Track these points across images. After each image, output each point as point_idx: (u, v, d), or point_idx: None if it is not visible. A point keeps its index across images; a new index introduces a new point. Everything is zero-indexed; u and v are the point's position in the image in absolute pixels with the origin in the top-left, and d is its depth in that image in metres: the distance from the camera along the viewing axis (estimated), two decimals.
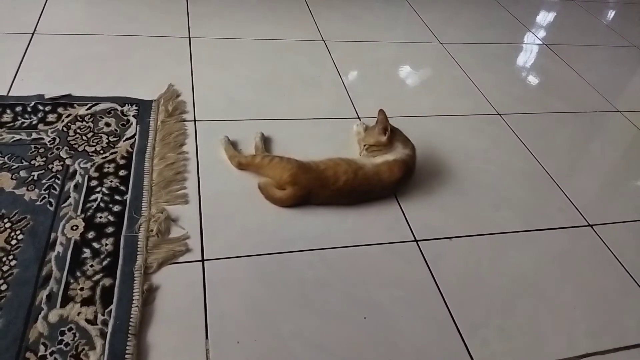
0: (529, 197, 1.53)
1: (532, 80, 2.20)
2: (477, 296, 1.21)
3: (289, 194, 1.30)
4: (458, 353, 1.09)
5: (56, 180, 1.27)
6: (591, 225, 1.47)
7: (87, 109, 1.50)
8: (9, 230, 1.13)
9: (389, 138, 1.40)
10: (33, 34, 1.80)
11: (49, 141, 1.37)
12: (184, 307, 1.07)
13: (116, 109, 1.52)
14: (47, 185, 1.25)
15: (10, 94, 1.51)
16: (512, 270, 1.29)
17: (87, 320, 1.00)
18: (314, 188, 1.31)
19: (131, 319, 1.01)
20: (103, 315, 1.01)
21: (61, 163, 1.32)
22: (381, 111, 1.42)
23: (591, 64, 2.34)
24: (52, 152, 1.34)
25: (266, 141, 1.50)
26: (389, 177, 1.35)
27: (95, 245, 1.14)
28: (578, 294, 1.27)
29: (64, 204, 1.21)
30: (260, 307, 1.10)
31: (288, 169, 1.31)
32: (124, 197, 1.26)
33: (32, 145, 1.35)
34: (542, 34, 2.58)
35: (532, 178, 1.61)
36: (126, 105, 1.54)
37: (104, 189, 1.27)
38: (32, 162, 1.30)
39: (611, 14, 3.00)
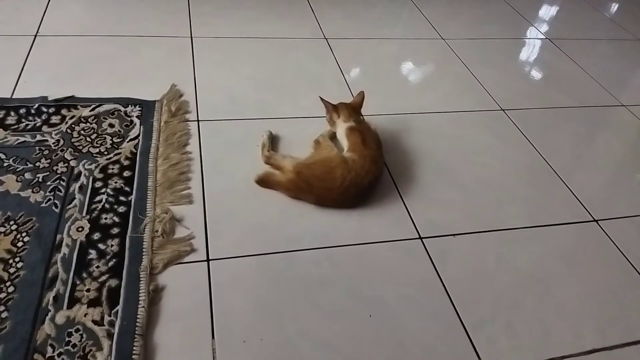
0: (534, 193, 1.52)
1: (536, 75, 2.19)
2: (483, 292, 1.21)
3: (289, 178, 1.32)
4: (464, 350, 1.09)
5: (61, 182, 1.27)
6: (596, 221, 1.47)
7: (90, 110, 1.50)
8: (14, 233, 1.14)
9: (329, 111, 1.49)
10: (36, 35, 1.80)
11: (53, 143, 1.38)
12: (190, 307, 1.07)
13: (120, 110, 1.53)
14: (52, 187, 1.26)
15: (14, 96, 1.52)
16: (517, 266, 1.29)
17: (94, 321, 1.00)
18: (316, 187, 1.31)
19: (138, 320, 1.01)
20: (110, 316, 1.02)
21: (66, 165, 1.32)
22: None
23: (595, 58, 2.33)
24: (57, 154, 1.35)
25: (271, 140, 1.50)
26: (353, 145, 1.39)
27: (101, 246, 1.14)
28: (584, 290, 1.27)
29: (69, 206, 1.22)
30: (266, 306, 1.10)
31: (295, 162, 1.35)
32: (129, 198, 1.26)
33: (37, 147, 1.36)
34: (544, 28, 2.56)
35: (537, 173, 1.60)
36: (129, 106, 1.55)
37: (108, 190, 1.27)
38: (37, 164, 1.31)
39: (614, 7, 2.98)
